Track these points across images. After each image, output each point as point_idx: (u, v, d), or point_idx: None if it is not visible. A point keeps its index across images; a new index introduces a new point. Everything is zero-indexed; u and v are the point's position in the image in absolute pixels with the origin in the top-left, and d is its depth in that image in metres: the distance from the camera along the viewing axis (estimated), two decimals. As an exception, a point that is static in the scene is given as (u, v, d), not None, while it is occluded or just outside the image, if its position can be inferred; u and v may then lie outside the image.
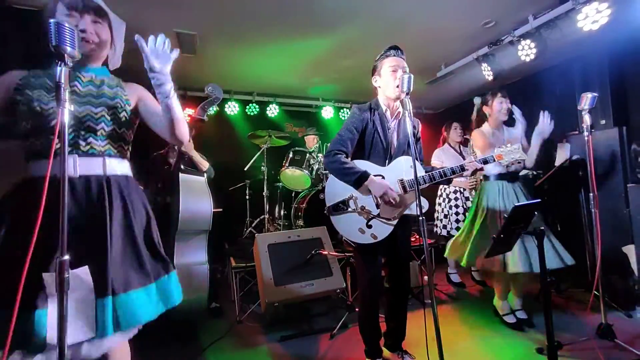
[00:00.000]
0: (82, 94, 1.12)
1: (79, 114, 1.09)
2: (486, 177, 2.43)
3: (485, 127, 2.46)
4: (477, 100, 2.62)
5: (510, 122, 2.47)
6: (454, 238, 2.53)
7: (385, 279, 1.92)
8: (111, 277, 1.03)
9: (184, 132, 1.22)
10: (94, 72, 1.18)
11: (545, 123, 2.28)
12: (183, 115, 1.22)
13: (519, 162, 1.92)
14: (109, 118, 1.14)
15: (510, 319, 2.34)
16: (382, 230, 1.74)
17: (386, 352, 1.96)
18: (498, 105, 2.37)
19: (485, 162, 1.82)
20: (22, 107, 1.06)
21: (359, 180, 1.69)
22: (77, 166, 1.06)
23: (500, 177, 2.36)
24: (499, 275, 2.33)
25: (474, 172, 1.82)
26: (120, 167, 1.18)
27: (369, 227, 1.74)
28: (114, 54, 1.26)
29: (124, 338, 1.10)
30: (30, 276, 0.86)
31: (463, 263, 2.29)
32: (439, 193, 3.51)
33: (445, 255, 2.49)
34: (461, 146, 3.46)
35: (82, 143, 1.09)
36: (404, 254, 1.88)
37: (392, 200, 1.68)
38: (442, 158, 3.36)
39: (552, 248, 2.15)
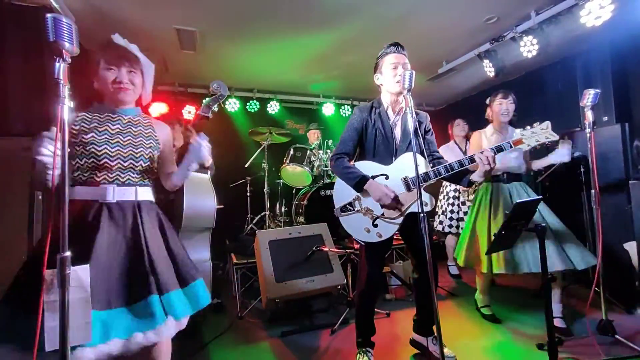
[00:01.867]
0: (124, 134, 1.33)
1: (123, 154, 1.30)
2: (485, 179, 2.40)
3: (489, 128, 2.45)
4: (488, 101, 2.56)
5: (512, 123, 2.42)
6: (459, 244, 2.45)
7: (412, 270, 1.95)
8: (153, 280, 1.20)
9: (175, 187, 1.53)
10: (131, 113, 1.39)
11: (566, 153, 2.24)
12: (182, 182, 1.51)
13: (545, 145, 1.70)
14: (146, 157, 1.35)
15: (487, 311, 2.43)
16: (388, 228, 1.76)
17: (417, 337, 1.99)
18: (497, 107, 2.35)
19: (500, 149, 1.65)
20: (78, 149, 1.25)
21: (358, 184, 1.73)
22: (115, 194, 1.27)
23: (495, 178, 2.36)
24: (481, 274, 2.40)
25: (488, 172, 1.67)
26: (147, 194, 1.39)
27: (375, 226, 1.77)
28: (145, 92, 1.45)
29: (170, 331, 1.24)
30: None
31: (461, 264, 2.34)
32: (440, 190, 3.54)
33: (461, 265, 2.39)
34: (468, 142, 3.46)
35: (122, 175, 1.30)
36: (422, 246, 1.83)
37: (388, 205, 1.69)
38: (448, 155, 3.36)
39: (556, 248, 2.06)
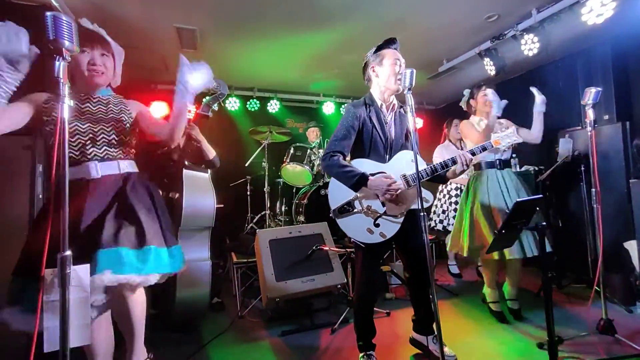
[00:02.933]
0: (95, 112, 1.37)
1: (95, 129, 1.34)
2: (476, 167, 2.50)
3: (474, 118, 2.55)
4: (466, 92, 2.71)
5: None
6: (452, 232, 2.57)
7: (404, 269, 1.94)
8: (147, 234, 1.27)
9: (180, 133, 1.47)
10: (101, 94, 1.44)
11: (540, 98, 2.38)
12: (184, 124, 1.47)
13: (515, 145, 1.94)
14: (117, 130, 1.39)
15: (496, 307, 2.44)
16: (390, 227, 1.73)
17: (417, 336, 1.97)
18: (483, 98, 2.48)
19: (484, 148, 1.80)
20: (50, 127, 1.27)
21: (357, 183, 1.67)
22: (99, 169, 1.32)
23: (489, 165, 2.43)
24: (487, 265, 2.46)
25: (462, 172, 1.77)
26: (130, 166, 1.44)
27: (377, 226, 1.72)
28: (115, 76, 1.49)
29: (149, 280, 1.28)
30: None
31: (464, 254, 2.36)
32: (439, 189, 3.55)
33: (447, 250, 2.52)
34: (462, 142, 3.49)
35: (100, 151, 1.34)
36: (417, 244, 1.78)
37: (395, 193, 1.66)
38: (445, 155, 3.39)
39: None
